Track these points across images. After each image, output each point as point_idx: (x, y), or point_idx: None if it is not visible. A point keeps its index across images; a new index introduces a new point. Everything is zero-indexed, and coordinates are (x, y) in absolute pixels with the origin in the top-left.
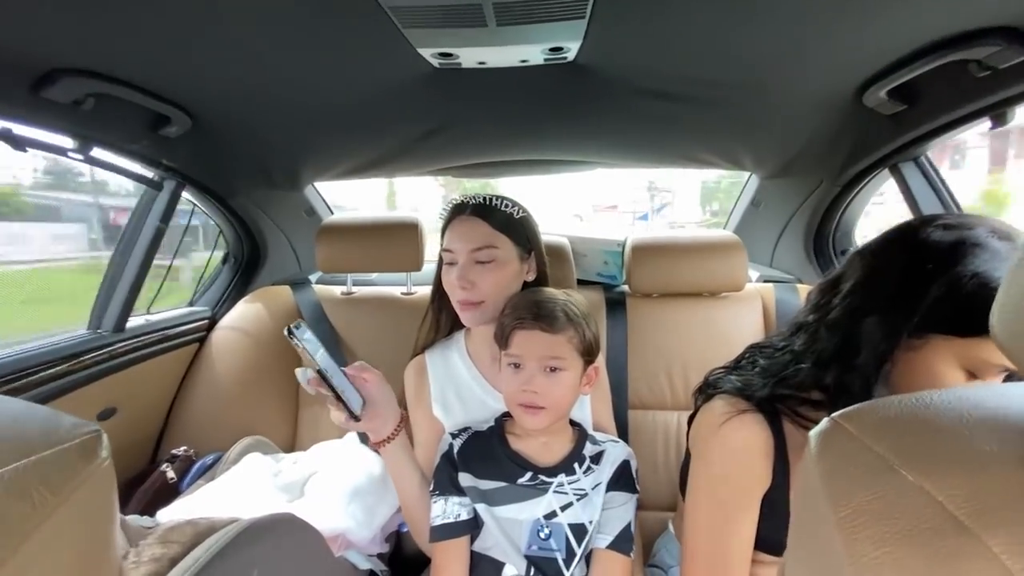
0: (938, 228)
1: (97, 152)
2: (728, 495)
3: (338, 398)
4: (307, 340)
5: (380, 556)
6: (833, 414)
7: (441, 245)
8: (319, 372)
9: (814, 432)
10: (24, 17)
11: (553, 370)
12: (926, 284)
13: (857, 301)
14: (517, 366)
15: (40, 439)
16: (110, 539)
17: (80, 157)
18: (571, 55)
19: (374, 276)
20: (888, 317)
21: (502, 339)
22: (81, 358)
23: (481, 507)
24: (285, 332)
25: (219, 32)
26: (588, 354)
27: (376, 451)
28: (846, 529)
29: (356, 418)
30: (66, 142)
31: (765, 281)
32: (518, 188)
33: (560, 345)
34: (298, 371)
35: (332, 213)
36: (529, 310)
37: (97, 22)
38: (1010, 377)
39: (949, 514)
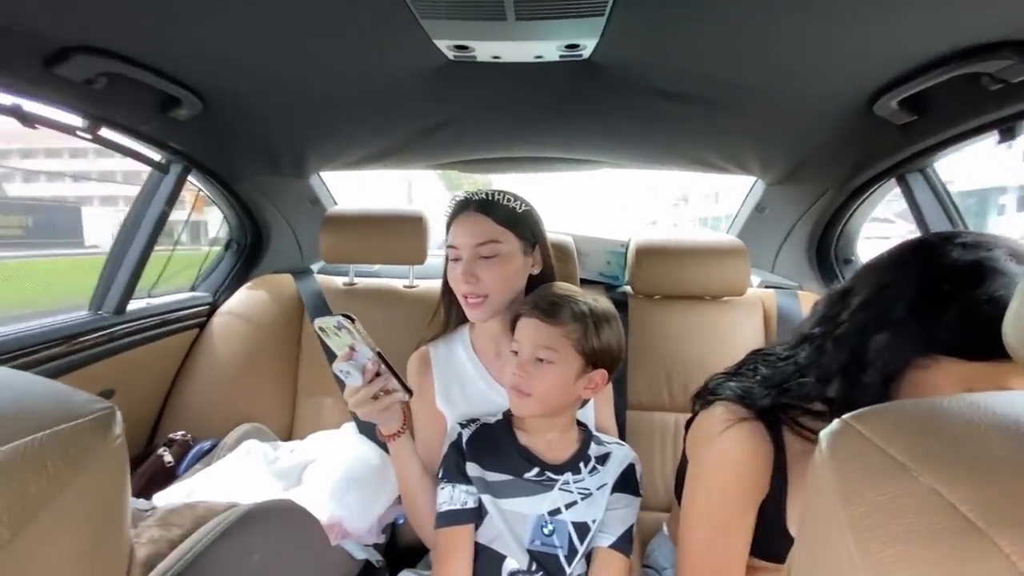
0: (957, 247)
1: (105, 132)
2: (725, 502)
3: (396, 376)
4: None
5: (376, 547)
6: (843, 416)
7: (446, 241)
8: (378, 354)
9: (824, 433)
10: None
11: (541, 360)
12: (941, 305)
13: (867, 317)
14: (516, 352)
15: (56, 413)
16: (123, 514)
17: (88, 137)
18: (587, 52)
19: (376, 268)
20: (899, 336)
21: (512, 326)
22: (81, 339)
23: (487, 498)
24: (342, 316)
25: (234, 15)
26: (591, 356)
27: (382, 444)
28: (857, 528)
29: (411, 392)
30: (75, 121)
31: (766, 287)
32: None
33: (554, 337)
34: (340, 364)
35: (336, 203)
36: (533, 299)
37: (112, 0)
38: None
39: (961, 515)
